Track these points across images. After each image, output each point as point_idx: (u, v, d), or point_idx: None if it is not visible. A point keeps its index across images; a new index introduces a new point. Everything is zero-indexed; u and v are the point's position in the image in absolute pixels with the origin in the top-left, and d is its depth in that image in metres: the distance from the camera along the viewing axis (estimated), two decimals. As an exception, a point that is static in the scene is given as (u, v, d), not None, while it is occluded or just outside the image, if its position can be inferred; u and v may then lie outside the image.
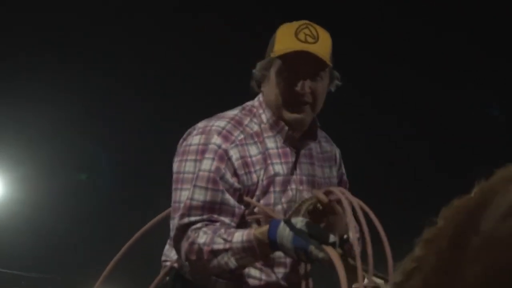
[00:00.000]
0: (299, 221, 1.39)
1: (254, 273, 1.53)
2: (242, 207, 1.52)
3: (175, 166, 1.57)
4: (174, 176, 1.56)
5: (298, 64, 1.50)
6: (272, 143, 1.56)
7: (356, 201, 1.49)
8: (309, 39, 1.50)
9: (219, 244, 1.42)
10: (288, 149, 1.58)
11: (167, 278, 1.64)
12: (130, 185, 13.41)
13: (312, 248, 1.35)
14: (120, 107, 11.87)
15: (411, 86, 10.32)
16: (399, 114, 10.72)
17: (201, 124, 1.57)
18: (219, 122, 1.54)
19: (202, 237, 1.43)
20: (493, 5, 9.28)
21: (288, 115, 1.55)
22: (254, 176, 1.51)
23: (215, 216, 1.48)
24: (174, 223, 1.51)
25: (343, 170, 1.80)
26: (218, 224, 1.47)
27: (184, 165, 1.52)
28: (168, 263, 1.66)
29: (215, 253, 1.42)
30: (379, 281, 1.48)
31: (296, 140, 1.60)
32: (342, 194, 1.50)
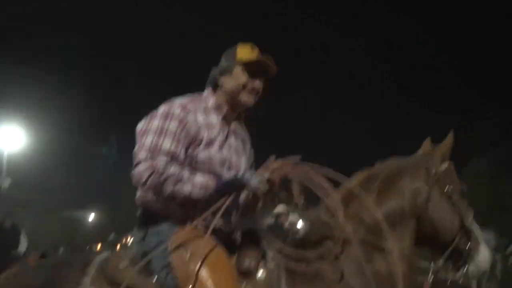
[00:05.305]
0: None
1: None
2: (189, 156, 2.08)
3: (141, 125, 2.08)
4: (142, 129, 2.06)
5: (256, 69, 2.15)
6: (214, 118, 2.17)
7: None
8: (262, 55, 2.15)
9: (185, 176, 1.99)
10: (223, 123, 2.19)
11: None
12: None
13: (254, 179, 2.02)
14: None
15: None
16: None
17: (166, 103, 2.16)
18: (180, 99, 2.15)
19: (173, 169, 1.98)
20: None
21: (244, 98, 2.16)
22: (201, 133, 2.09)
23: (175, 160, 2.02)
24: (143, 160, 1.99)
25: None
26: (178, 163, 2.03)
27: (151, 122, 2.05)
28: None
29: (180, 181, 1.98)
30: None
31: (231, 118, 2.23)
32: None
